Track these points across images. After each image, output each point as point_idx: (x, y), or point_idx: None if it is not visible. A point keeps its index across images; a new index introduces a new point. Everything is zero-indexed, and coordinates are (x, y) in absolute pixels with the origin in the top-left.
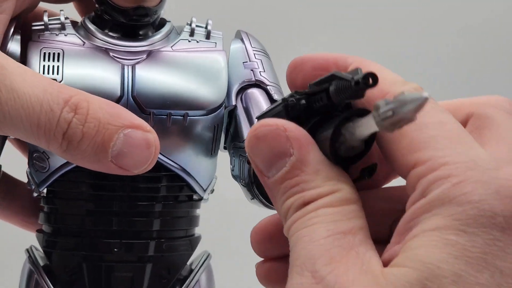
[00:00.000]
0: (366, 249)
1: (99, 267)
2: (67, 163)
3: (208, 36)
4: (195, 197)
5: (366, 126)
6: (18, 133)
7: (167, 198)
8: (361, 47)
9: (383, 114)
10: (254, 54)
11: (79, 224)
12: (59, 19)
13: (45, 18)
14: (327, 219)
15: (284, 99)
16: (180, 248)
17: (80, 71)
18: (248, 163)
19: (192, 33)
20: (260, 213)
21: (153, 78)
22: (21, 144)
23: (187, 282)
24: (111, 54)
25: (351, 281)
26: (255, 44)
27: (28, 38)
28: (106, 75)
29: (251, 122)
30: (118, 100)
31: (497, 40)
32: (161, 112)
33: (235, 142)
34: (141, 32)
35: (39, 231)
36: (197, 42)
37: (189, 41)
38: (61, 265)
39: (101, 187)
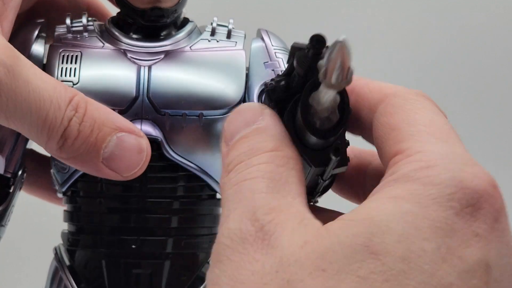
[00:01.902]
0: (306, 210)
1: (118, 264)
2: None
3: (229, 35)
4: (218, 195)
5: (324, 91)
6: (22, 126)
7: (186, 197)
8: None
9: (323, 72)
10: (275, 53)
11: (99, 222)
12: (81, 21)
13: (67, 21)
14: (268, 176)
15: (264, 83)
16: (202, 245)
17: (96, 73)
18: None
19: (213, 33)
20: None
21: (168, 78)
22: None
23: (204, 284)
24: (128, 55)
25: (289, 231)
26: (276, 42)
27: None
28: (122, 76)
29: None
30: (133, 101)
31: (496, 41)
32: (176, 112)
33: None
34: (162, 33)
35: (64, 231)
36: (217, 41)
37: (209, 40)
38: (83, 263)
39: (117, 187)
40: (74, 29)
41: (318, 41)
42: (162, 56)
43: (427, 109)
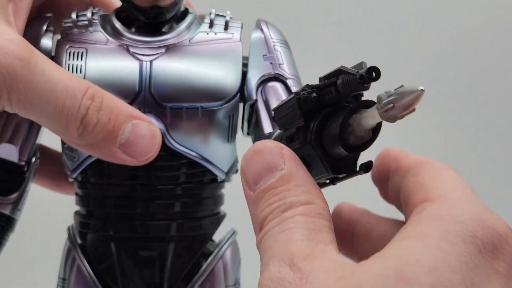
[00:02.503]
0: (339, 255)
1: (127, 248)
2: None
3: (226, 26)
4: (218, 179)
5: (371, 117)
6: (40, 116)
7: (187, 183)
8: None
9: (385, 105)
10: (273, 45)
11: (108, 208)
12: (86, 15)
13: (73, 16)
14: (303, 226)
15: (296, 93)
16: (204, 226)
17: (101, 69)
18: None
19: (211, 25)
20: None
21: (169, 73)
22: None
23: (211, 256)
24: (131, 51)
25: (326, 270)
26: (275, 35)
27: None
28: (125, 72)
29: (271, 115)
30: (136, 96)
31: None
32: (176, 105)
33: (258, 135)
34: (163, 29)
35: (76, 212)
36: (215, 34)
37: (207, 33)
38: (93, 245)
39: (125, 175)
40: (80, 23)
41: (375, 73)
42: (163, 50)
43: (453, 175)
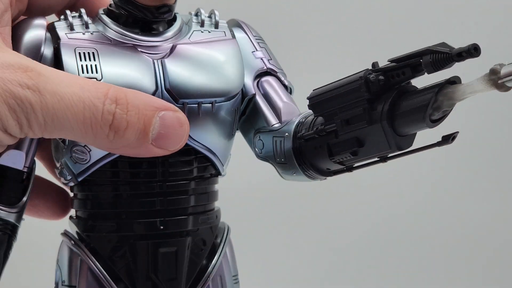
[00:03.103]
0: None
1: (146, 245)
2: (107, 155)
3: (216, 26)
4: (219, 173)
5: (472, 89)
6: (65, 133)
7: (198, 177)
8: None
9: (506, 75)
10: (258, 43)
11: (121, 207)
12: (81, 16)
13: (70, 19)
14: None
15: (363, 77)
16: (210, 220)
17: (117, 69)
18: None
19: (202, 24)
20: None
21: (183, 71)
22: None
23: (219, 250)
24: (139, 49)
25: None
26: (255, 32)
27: (55, 38)
28: (141, 70)
29: (273, 108)
30: (153, 94)
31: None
32: (193, 101)
33: (261, 127)
34: (160, 28)
35: (74, 217)
36: (209, 32)
37: (201, 31)
38: (106, 247)
39: (140, 174)
40: (76, 26)
41: (476, 50)
42: (169, 49)
43: None
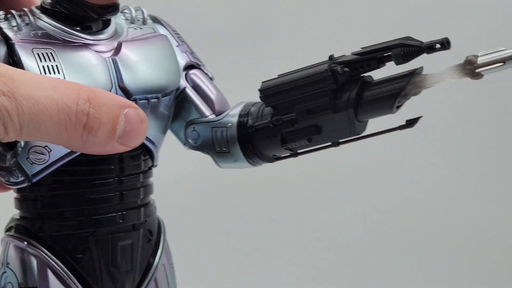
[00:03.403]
0: None
1: (106, 240)
2: (67, 154)
3: (144, 22)
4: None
5: (443, 78)
6: (40, 136)
7: (145, 171)
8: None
9: (480, 64)
10: (178, 37)
11: (82, 205)
12: (27, 15)
13: (18, 19)
14: None
15: (329, 69)
16: (153, 212)
17: (76, 68)
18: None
19: (133, 21)
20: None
21: (132, 68)
22: None
23: (162, 242)
24: (91, 48)
25: None
26: (173, 27)
27: (5, 39)
28: (97, 69)
29: (205, 99)
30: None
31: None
32: (143, 97)
33: (194, 119)
34: (99, 26)
35: (23, 218)
36: (141, 29)
37: (134, 28)
38: (63, 245)
39: (98, 171)
40: (22, 26)
41: (448, 43)
42: (115, 47)
43: None
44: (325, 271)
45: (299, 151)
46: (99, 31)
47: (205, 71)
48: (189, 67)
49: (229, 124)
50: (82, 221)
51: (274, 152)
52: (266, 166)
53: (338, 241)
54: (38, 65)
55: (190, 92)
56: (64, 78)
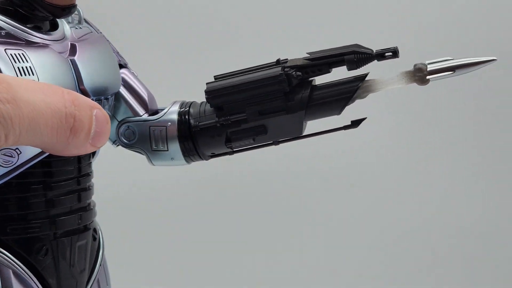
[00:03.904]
0: None
1: (67, 241)
2: (35, 156)
3: (80, 21)
4: None
5: (392, 84)
6: (34, 141)
7: (91, 171)
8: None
9: (430, 71)
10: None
11: (45, 207)
12: None
13: None
14: None
15: (283, 73)
16: (95, 211)
17: (47, 69)
18: None
19: (70, 20)
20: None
21: (88, 69)
22: None
23: (101, 244)
24: (53, 48)
25: None
26: (95, 27)
27: None
28: (61, 70)
29: (138, 98)
30: None
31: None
32: (98, 98)
33: (127, 117)
34: (47, 26)
35: None
36: (81, 28)
37: (76, 28)
38: (26, 248)
39: (60, 172)
40: None
41: (397, 52)
42: (68, 47)
43: None
44: (325, 271)
45: (235, 149)
46: (48, 31)
47: (132, 71)
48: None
49: (169, 123)
50: (44, 223)
51: (214, 150)
52: (265, 166)
53: (338, 241)
54: (14, 67)
55: (123, 91)
56: (38, 80)
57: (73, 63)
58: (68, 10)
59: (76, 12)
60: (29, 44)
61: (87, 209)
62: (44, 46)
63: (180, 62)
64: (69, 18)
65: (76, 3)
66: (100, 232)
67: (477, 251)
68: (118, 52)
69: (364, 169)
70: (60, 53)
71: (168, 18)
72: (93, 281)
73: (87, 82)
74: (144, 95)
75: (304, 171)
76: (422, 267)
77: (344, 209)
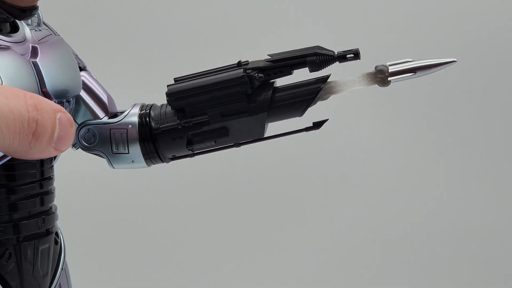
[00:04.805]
0: None
1: (30, 245)
2: None
3: (40, 23)
4: None
5: (353, 85)
6: None
7: (53, 175)
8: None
9: (392, 73)
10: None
11: (8, 211)
12: None
13: None
14: None
15: (245, 75)
16: (57, 215)
17: (9, 72)
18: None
19: (31, 22)
20: None
21: (50, 71)
22: None
23: (63, 247)
24: (15, 50)
25: None
26: (54, 29)
27: None
28: (22, 73)
29: (98, 101)
30: None
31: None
32: (59, 101)
33: (87, 120)
34: (8, 28)
35: None
36: (40, 30)
37: (36, 30)
38: None
39: (23, 176)
40: None
41: (359, 54)
42: (30, 49)
43: None
44: (325, 271)
45: (196, 151)
46: (9, 33)
47: (91, 74)
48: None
49: (130, 126)
50: (7, 227)
51: (175, 152)
52: (264, 165)
53: (338, 241)
54: None
55: (83, 94)
56: (2, 83)
57: (35, 65)
58: (29, 11)
59: (36, 15)
60: None
61: (49, 213)
62: (5, 48)
63: (139, 64)
64: (29, 21)
65: (38, 5)
66: (61, 236)
67: (477, 251)
68: (77, 55)
69: (364, 169)
70: (21, 55)
71: (127, 19)
72: (55, 285)
73: (50, 85)
74: (104, 98)
75: (303, 171)
76: (422, 268)
77: (344, 209)
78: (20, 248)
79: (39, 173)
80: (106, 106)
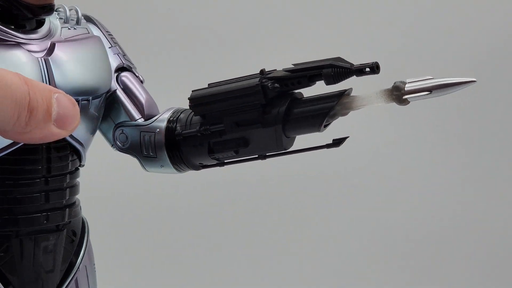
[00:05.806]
0: None
1: (30, 240)
2: (3, 149)
3: (78, 22)
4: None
5: (371, 101)
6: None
7: (72, 171)
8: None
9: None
10: (111, 39)
11: (8, 204)
12: None
13: None
14: None
15: (259, 84)
16: (78, 212)
17: (8, 67)
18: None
19: (66, 21)
20: None
21: (64, 69)
22: None
23: (83, 246)
24: (24, 47)
25: None
26: (106, 28)
27: None
28: (28, 68)
29: (136, 103)
30: None
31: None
32: (76, 98)
33: (123, 121)
34: (33, 25)
35: None
36: (75, 29)
37: (68, 28)
38: None
39: (25, 171)
40: None
41: (378, 67)
42: (48, 47)
43: None
44: (325, 273)
45: (225, 161)
46: (33, 30)
47: (137, 74)
48: (120, 69)
49: (157, 130)
50: (6, 220)
51: (200, 160)
52: (265, 168)
53: (338, 243)
54: None
55: (121, 94)
56: None
57: (46, 62)
58: (44, 9)
59: (74, 13)
60: (2, 42)
61: (57, 210)
62: (14, 44)
63: (193, 69)
64: (66, 18)
65: (54, 3)
66: (86, 233)
67: (477, 251)
68: (124, 55)
69: (366, 172)
70: (34, 52)
71: (180, 24)
72: (68, 283)
73: (60, 82)
74: (142, 99)
75: (305, 174)
76: (422, 268)
77: (346, 210)
78: (19, 242)
79: (45, 169)
80: (143, 108)
